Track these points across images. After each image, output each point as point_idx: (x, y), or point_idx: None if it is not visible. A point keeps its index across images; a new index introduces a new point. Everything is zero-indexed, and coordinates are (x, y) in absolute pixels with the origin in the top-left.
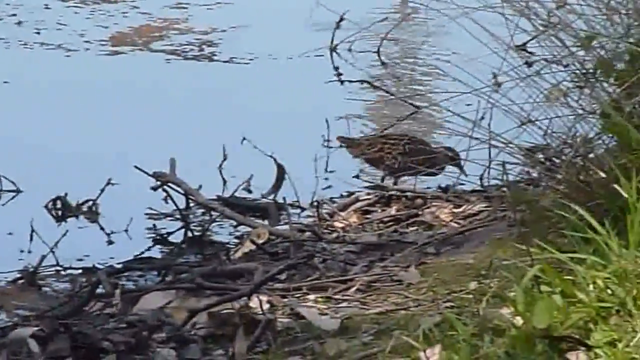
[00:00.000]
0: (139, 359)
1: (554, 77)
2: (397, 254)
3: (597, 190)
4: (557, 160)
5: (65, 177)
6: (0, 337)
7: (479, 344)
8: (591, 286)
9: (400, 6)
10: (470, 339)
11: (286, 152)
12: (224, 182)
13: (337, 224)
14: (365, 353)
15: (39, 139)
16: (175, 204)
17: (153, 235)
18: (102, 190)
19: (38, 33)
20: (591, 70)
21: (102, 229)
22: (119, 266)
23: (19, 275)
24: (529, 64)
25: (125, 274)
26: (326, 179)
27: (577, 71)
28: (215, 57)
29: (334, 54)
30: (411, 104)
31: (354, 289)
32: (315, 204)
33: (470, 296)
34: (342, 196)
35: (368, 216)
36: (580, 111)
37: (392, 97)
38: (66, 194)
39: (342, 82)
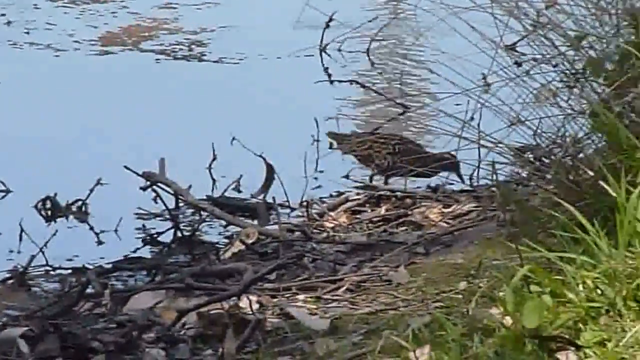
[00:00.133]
0: (129, 359)
1: (544, 77)
2: (387, 254)
3: (587, 190)
4: (547, 160)
5: (54, 177)
6: None
7: (469, 344)
8: (581, 286)
9: (389, 6)
10: (459, 339)
11: (276, 152)
12: (214, 182)
13: (326, 224)
14: (355, 353)
15: (28, 139)
16: (165, 204)
17: (143, 235)
18: (92, 190)
19: (27, 33)
20: (581, 70)
21: (91, 229)
22: (109, 266)
23: (8, 276)
24: (519, 64)
25: (115, 274)
26: (316, 178)
27: (567, 71)
28: (204, 57)
29: (324, 53)
30: (400, 104)
31: (343, 289)
32: (305, 203)
33: (460, 296)
34: (331, 196)
35: (358, 216)
36: (570, 111)
37: (382, 96)
38: (56, 194)
39: (331, 82)
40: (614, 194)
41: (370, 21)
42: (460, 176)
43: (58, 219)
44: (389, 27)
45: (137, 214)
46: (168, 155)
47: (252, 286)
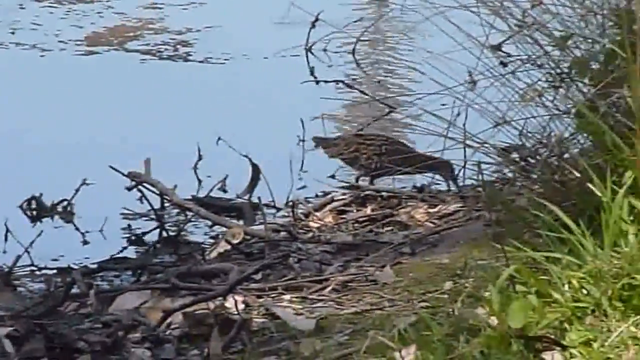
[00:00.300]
0: (114, 359)
1: (529, 77)
2: (373, 254)
3: (572, 190)
4: (532, 160)
5: (40, 177)
6: None
7: (454, 344)
8: (566, 286)
9: (375, 5)
10: (445, 339)
11: (261, 152)
12: (199, 182)
13: (312, 224)
14: (341, 353)
15: (13, 139)
16: (150, 204)
17: (128, 235)
18: (77, 190)
19: (13, 33)
20: (566, 70)
21: (77, 229)
22: (94, 266)
23: None
24: (504, 64)
25: (100, 274)
26: (301, 178)
27: (552, 71)
28: (190, 57)
29: (309, 54)
30: (386, 104)
31: (329, 289)
32: (291, 203)
33: (446, 296)
34: (317, 196)
35: (343, 216)
36: (555, 111)
37: (368, 97)
38: (41, 194)
39: (317, 82)
40: (599, 194)
41: (356, 22)
42: (454, 180)
43: (43, 219)
44: (374, 27)
45: (122, 214)
46: (153, 155)
47: (238, 286)
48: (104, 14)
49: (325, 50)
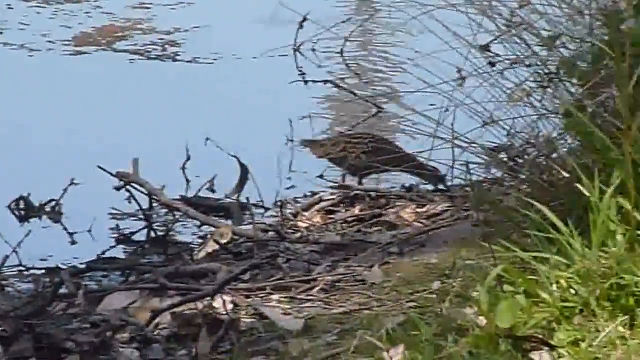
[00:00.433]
0: (103, 359)
1: (517, 77)
2: (361, 254)
3: (561, 190)
4: (521, 160)
5: (28, 177)
6: None
7: (443, 344)
8: (555, 286)
9: (363, 5)
10: (433, 339)
11: (250, 152)
12: (188, 182)
13: (301, 224)
14: (329, 353)
15: (2, 139)
16: (139, 204)
17: (116, 235)
18: (66, 191)
19: (1, 33)
20: (554, 71)
21: (65, 229)
22: (83, 266)
23: None
24: (493, 64)
25: (89, 274)
26: (289, 179)
27: (541, 71)
28: (178, 57)
29: (298, 53)
30: (374, 104)
31: (317, 289)
32: (279, 204)
33: (434, 296)
34: (305, 196)
35: (332, 216)
36: (544, 111)
37: (356, 96)
38: (29, 194)
39: (305, 82)
40: (587, 194)
41: (344, 22)
42: (445, 185)
43: (32, 219)
44: (363, 27)
45: (111, 214)
46: (142, 155)
47: (226, 286)
48: (92, 14)
49: (313, 50)
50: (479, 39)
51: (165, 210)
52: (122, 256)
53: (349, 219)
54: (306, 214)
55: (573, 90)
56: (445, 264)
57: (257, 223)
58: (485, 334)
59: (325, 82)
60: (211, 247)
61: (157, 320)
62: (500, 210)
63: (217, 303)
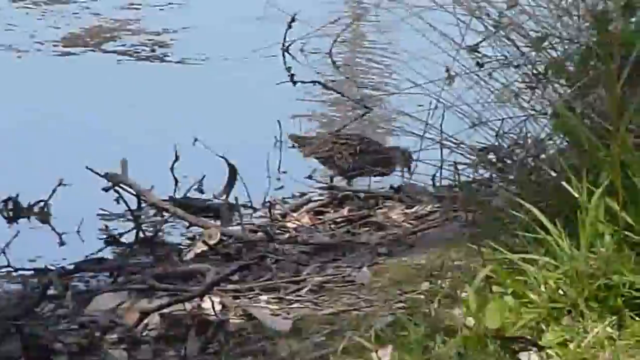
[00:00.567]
0: None
1: (506, 78)
2: (350, 255)
3: (549, 190)
4: (509, 161)
5: (16, 178)
6: None
7: (431, 345)
8: (543, 287)
9: (352, 5)
10: (422, 339)
11: (238, 152)
12: (176, 182)
13: (289, 224)
14: (318, 354)
15: None
16: (127, 205)
17: (105, 236)
18: (54, 191)
19: None
20: (542, 71)
21: (53, 229)
22: (71, 267)
23: None
24: (481, 65)
25: (77, 274)
26: (278, 179)
27: (529, 72)
28: (167, 58)
29: (286, 54)
30: (363, 105)
31: (306, 289)
32: (268, 204)
33: (422, 297)
34: (294, 197)
35: (320, 217)
36: (532, 112)
37: (344, 97)
38: (18, 195)
39: (294, 82)
40: (576, 195)
41: (332, 22)
42: (409, 169)
43: (20, 220)
44: (351, 27)
45: (99, 214)
46: (130, 156)
47: (215, 287)
48: (80, 14)
49: (302, 50)
50: (468, 39)
51: (153, 211)
52: (111, 257)
53: (338, 220)
54: (295, 214)
55: (561, 90)
56: (434, 265)
57: (246, 223)
58: (474, 334)
59: (314, 82)
60: (200, 247)
61: (145, 321)
62: (488, 210)
63: (206, 304)
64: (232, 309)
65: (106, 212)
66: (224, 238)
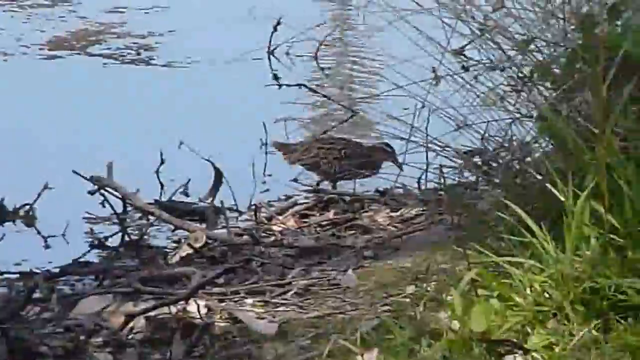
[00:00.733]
0: None
1: (491, 81)
2: (335, 258)
3: (534, 193)
4: (494, 164)
5: (1, 181)
6: None
7: (417, 348)
8: (528, 290)
9: (337, 9)
10: (407, 342)
11: (224, 156)
12: (162, 186)
13: (275, 227)
14: (303, 357)
15: None
16: (113, 208)
17: (90, 239)
18: (39, 195)
19: None
20: (528, 74)
21: (39, 233)
22: (56, 270)
23: None
24: (466, 68)
25: (63, 278)
26: (264, 182)
27: (514, 75)
28: (152, 61)
29: (272, 57)
30: (348, 108)
31: (291, 292)
32: (253, 207)
33: (408, 300)
34: (279, 200)
35: (306, 220)
36: (517, 115)
37: (330, 100)
38: (3, 199)
39: (279, 85)
40: (561, 198)
41: (318, 26)
42: (397, 163)
43: (5, 224)
44: (337, 31)
45: (85, 218)
46: (116, 159)
47: (200, 290)
48: (66, 18)
49: (287, 53)
50: (453, 42)
51: (139, 214)
52: (96, 260)
53: (323, 223)
54: (280, 217)
55: (547, 93)
56: (419, 268)
57: (231, 227)
58: (459, 337)
59: (299, 85)
60: (185, 251)
61: (131, 324)
62: (474, 213)
63: (191, 307)
64: (217, 312)
65: (92, 216)
66: (210, 241)
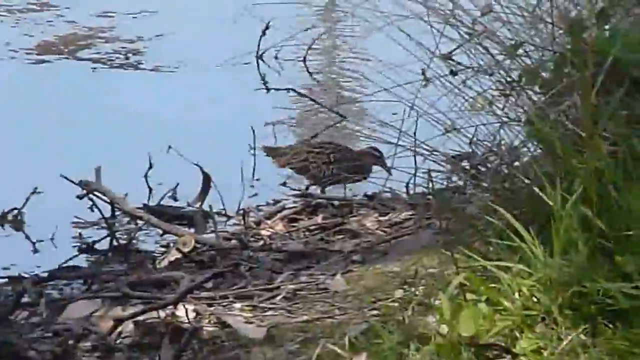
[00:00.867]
0: None
1: (480, 85)
2: (324, 262)
3: (523, 198)
4: (483, 169)
5: None
6: None
7: (405, 352)
8: (517, 294)
9: (326, 13)
10: (396, 347)
11: (212, 160)
12: (150, 190)
13: (263, 232)
14: None
15: None
16: (101, 213)
17: (79, 243)
18: (28, 199)
19: None
20: (516, 79)
21: (27, 237)
22: (45, 275)
23: None
24: (455, 73)
25: (51, 282)
26: (252, 186)
27: (503, 79)
28: (141, 66)
29: (261, 61)
30: (337, 112)
31: (280, 297)
32: (242, 212)
33: (396, 304)
34: (268, 204)
35: (294, 224)
36: (506, 119)
37: (319, 105)
38: None
39: (268, 90)
40: (549, 202)
41: (307, 30)
42: (386, 167)
43: None
44: (326, 35)
45: (73, 222)
46: (104, 163)
47: (189, 295)
48: (54, 22)
49: (276, 57)
50: (442, 47)
51: (127, 219)
52: (85, 264)
53: (312, 227)
54: (269, 222)
55: (535, 98)
56: (408, 272)
57: (220, 231)
58: (448, 342)
59: (288, 90)
60: (174, 255)
61: (119, 329)
62: (462, 218)
63: (180, 311)
64: (206, 316)
65: (80, 220)
66: (198, 246)
